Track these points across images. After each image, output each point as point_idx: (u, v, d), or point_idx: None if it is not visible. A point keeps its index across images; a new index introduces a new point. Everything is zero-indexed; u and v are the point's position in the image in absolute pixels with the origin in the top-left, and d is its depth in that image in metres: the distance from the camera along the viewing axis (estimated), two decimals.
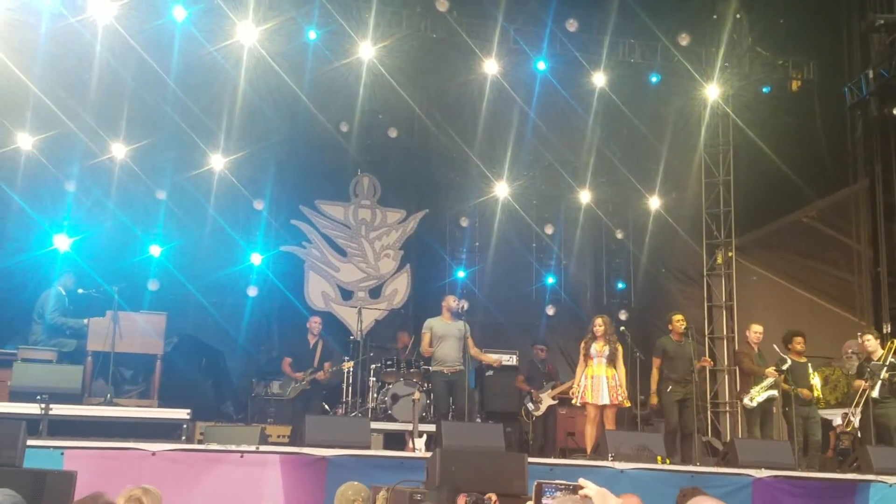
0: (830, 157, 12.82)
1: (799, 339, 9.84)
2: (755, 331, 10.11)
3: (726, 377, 13.67)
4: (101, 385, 9.16)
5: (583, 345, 9.69)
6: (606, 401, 9.36)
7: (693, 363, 9.81)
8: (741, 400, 9.81)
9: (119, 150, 11.80)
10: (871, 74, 11.27)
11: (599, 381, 9.39)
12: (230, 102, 11.98)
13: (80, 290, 9.89)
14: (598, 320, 9.75)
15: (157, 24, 11.23)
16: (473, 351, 10.22)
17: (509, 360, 12.17)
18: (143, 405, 9.26)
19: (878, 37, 11.58)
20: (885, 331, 11.96)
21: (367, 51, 11.96)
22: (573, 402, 9.75)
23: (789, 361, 9.59)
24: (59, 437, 7.14)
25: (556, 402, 11.37)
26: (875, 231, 12.33)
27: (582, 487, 2.41)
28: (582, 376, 9.51)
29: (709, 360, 9.58)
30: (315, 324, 11.06)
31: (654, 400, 10.08)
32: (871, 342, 9.91)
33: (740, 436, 10.57)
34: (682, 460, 9.15)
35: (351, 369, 10.81)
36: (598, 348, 9.54)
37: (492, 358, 11.05)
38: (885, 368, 9.61)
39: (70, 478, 5.56)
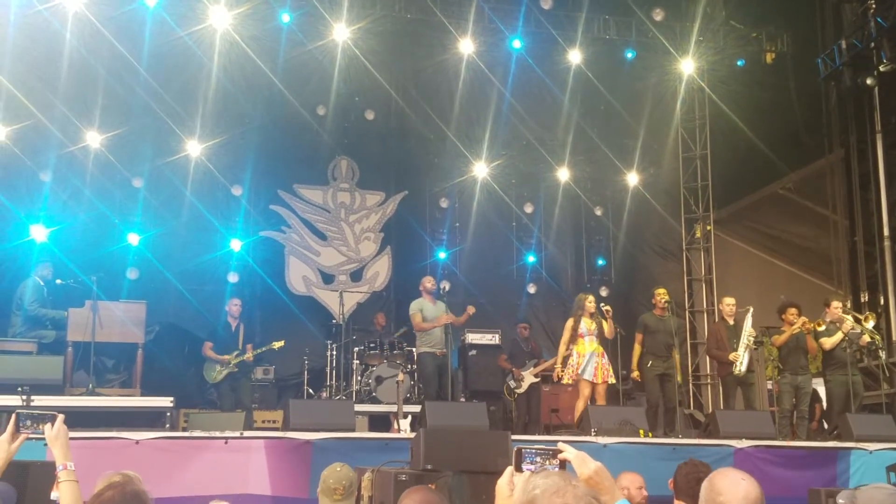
0: (805, 128, 12.89)
1: (793, 310, 9.86)
2: (727, 303, 10.19)
3: None
4: (82, 375, 9.14)
5: (571, 323, 9.66)
6: (599, 379, 9.45)
7: (674, 338, 9.90)
8: (732, 371, 9.80)
9: (94, 139, 11.69)
10: (843, 45, 11.30)
11: (593, 358, 9.46)
12: (204, 88, 11.88)
13: (59, 281, 9.84)
14: (591, 297, 9.84)
15: (127, 10, 11.11)
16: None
17: (492, 339, 12.22)
18: (126, 394, 9.25)
19: (850, 6, 11.63)
20: (862, 300, 12.10)
21: (341, 33, 11.88)
22: (564, 381, 9.74)
23: (756, 338, 9.74)
24: None
25: (538, 379, 11.42)
26: (851, 201, 12.44)
27: (561, 451, 2.46)
28: (574, 354, 9.51)
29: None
30: (235, 306, 10.63)
31: (635, 374, 10.15)
32: (838, 308, 10.05)
33: (722, 407, 10.66)
34: (664, 433, 9.23)
35: (282, 347, 10.49)
36: (589, 326, 9.60)
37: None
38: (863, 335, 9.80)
39: (53, 468, 5.52)
